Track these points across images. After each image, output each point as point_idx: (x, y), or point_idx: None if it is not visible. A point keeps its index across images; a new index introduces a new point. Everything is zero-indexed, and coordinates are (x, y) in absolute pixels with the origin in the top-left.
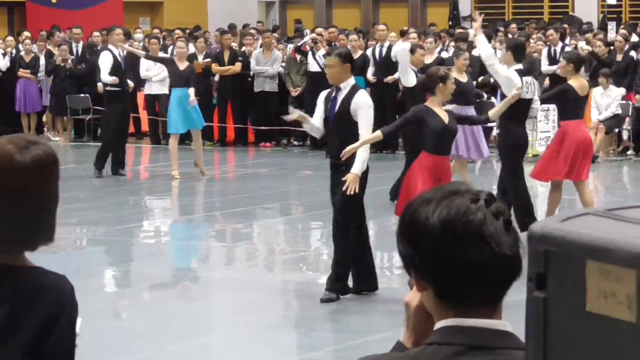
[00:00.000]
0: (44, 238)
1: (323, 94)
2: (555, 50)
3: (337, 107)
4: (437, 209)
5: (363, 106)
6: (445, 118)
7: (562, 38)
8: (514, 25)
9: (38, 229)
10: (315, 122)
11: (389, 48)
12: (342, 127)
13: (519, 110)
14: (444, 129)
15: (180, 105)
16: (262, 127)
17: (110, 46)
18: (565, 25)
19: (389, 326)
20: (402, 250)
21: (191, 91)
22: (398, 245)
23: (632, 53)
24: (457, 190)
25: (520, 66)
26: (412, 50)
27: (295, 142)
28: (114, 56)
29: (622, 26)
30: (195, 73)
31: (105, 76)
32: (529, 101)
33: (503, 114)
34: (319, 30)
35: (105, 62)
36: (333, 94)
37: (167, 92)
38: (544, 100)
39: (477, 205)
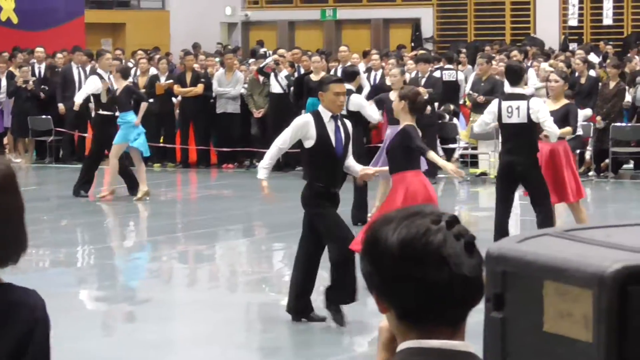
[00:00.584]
0: (17, 248)
1: (308, 121)
2: None
3: (343, 137)
4: (397, 229)
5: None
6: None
7: (524, 59)
8: (488, 47)
9: (8, 242)
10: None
11: None
12: (347, 154)
13: (503, 135)
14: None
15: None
16: (225, 149)
17: (99, 70)
18: (529, 48)
19: (353, 347)
20: (363, 270)
21: (142, 106)
22: (360, 265)
23: (592, 73)
24: (420, 211)
25: (517, 90)
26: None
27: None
28: (103, 81)
29: (578, 48)
30: (122, 94)
31: (79, 98)
32: (516, 126)
33: None
34: (281, 51)
35: (90, 86)
36: (334, 124)
37: None
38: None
39: (437, 227)
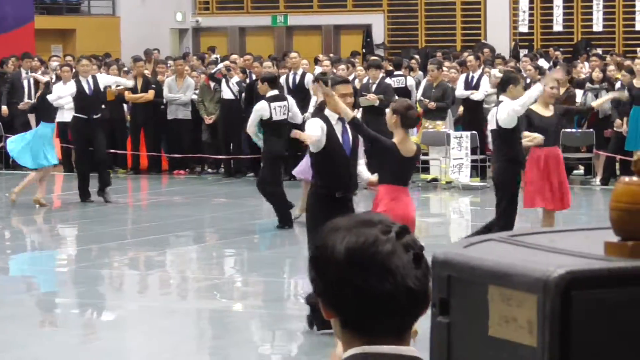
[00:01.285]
0: None
1: (322, 123)
2: (472, 77)
3: (351, 139)
4: (345, 237)
5: None
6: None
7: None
8: (439, 54)
9: None
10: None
11: (303, 75)
12: (356, 156)
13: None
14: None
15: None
16: (176, 155)
17: (80, 76)
18: (481, 53)
19: (303, 354)
20: (310, 277)
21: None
22: (308, 272)
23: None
24: (370, 220)
25: (502, 97)
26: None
27: (209, 170)
28: (80, 86)
29: (525, 55)
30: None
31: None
32: (492, 132)
33: None
34: (234, 57)
35: (61, 90)
36: (342, 126)
37: None
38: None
39: (387, 237)
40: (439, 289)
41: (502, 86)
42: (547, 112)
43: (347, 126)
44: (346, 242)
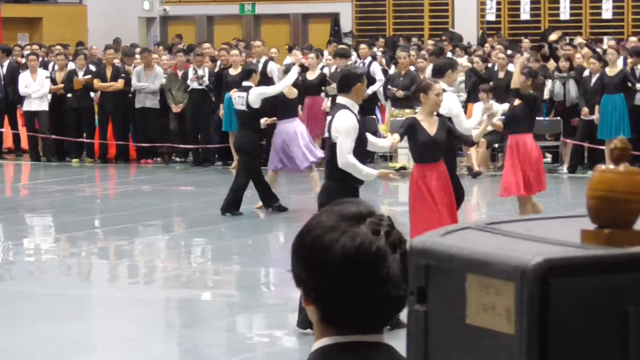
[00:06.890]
0: None
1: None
2: None
3: None
4: (340, 239)
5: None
6: (432, 129)
7: (442, 53)
8: (431, 41)
9: None
10: None
11: (265, 63)
12: None
13: None
14: (430, 140)
15: None
16: (144, 144)
17: None
18: (446, 43)
19: (274, 342)
20: (297, 273)
21: None
22: (293, 265)
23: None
24: (359, 213)
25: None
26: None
27: (177, 159)
28: None
29: (496, 42)
30: None
31: None
32: None
33: None
34: (206, 45)
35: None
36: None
37: (46, 108)
38: None
39: (378, 237)
40: (417, 277)
41: (441, 72)
42: None
43: None
44: (341, 245)
